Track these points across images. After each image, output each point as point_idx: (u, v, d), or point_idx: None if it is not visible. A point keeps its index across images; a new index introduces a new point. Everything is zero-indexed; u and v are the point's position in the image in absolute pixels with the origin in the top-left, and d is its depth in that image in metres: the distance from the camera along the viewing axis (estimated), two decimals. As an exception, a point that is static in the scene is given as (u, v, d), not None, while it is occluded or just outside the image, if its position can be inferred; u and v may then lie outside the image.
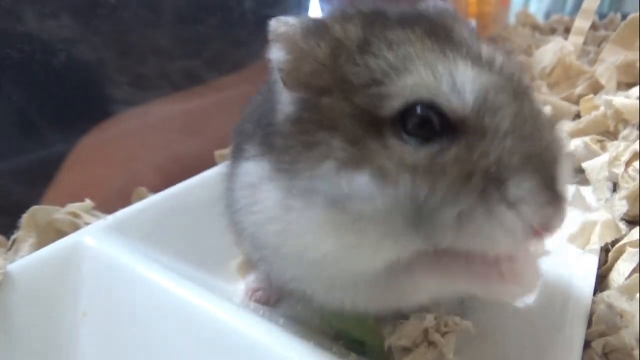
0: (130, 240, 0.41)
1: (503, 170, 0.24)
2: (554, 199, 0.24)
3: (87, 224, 0.43)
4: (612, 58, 0.61)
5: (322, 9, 1.24)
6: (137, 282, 0.37)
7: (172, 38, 0.91)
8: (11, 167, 0.63)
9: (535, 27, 1.18)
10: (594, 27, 0.99)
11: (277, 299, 0.45)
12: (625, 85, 0.60)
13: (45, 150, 0.69)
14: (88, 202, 0.47)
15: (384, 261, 0.29)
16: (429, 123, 0.25)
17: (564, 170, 0.26)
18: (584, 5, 0.67)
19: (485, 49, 0.28)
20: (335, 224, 0.27)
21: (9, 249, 0.43)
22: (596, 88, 0.61)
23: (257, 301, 0.44)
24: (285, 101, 0.30)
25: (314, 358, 0.30)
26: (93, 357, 0.36)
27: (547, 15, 1.59)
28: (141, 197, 0.53)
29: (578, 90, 0.62)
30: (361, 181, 0.26)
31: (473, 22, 1.43)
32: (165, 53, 0.90)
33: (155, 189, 0.52)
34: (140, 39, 0.85)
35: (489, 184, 0.24)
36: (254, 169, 0.32)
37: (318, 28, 0.28)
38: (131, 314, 0.36)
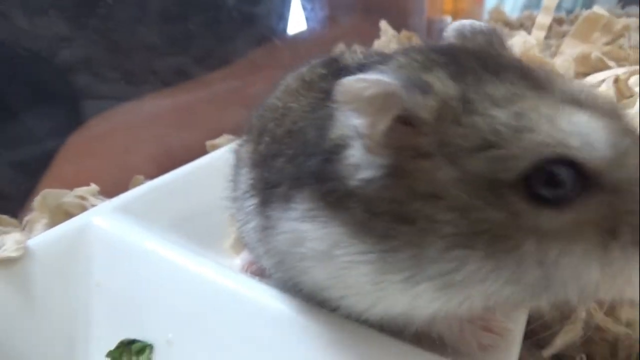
0: (133, 219, 0.45)
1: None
2: None
3: (93, 205, 0.47)
4: (570, 51, 0.67)
5: (304, 8, 1.27)
6: (142, 255, 0.40)
7: (160, 36, 0.94)
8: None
9: (506, 24, 1.24)
10: (560, 22, 1.06)
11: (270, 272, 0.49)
12: (582, 75, 0.66)
13: (39, 144, 0.72)
14: (94, 187, 0.50)
15: None
16: (564, 182, 0.23)
17: None
18: (545, 2, 0.73)
19: (575, 87, 0.26)
20: (441, 303, 0.26)
21: (23, 229, 0.46)
22: (557, 78, 0.67)
23: (253, 273, 0.48)
24: (364, 164, 0.26)
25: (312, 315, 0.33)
26: (106, 321, 0.39)
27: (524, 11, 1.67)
28: (139, 184, 0.56)
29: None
30: (476, 263, 0.24)
31: (449, 19, 1.49)
32: (156, 50, 0.93)
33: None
34: (132, 37, 0.88)
35: (629, 236, 0.23)
36: (320, 233, 0.27)
37: (421, 85, 0.24)
38: (138, 283, 0.40)
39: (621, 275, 0.23)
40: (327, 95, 0.29)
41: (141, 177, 0.61)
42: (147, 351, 0.37)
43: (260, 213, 0.34)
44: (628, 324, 0.34)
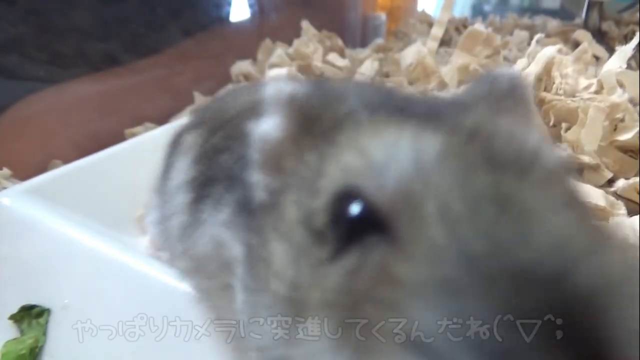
0: (41, 200, 0.50)
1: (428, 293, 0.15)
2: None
3: (4, 188, 0.52)
4: (456, 61, 0.77)
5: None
6: (44, 232, 0.45)
7: (93, 19, 0.96)
8: None
9: (431, 25, 1.34)
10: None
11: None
12: (464, 83, 0.76)
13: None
14: (6, 170, 0.55)
15: None
16: (350, 219, 0.18)
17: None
18: (439, 17, 0.82)
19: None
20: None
21: None
22: (444, 85, 0.77)
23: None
24: (258, 184, 0.25)
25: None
26: (11, 289, 0.45)
27: (474, 9, 1.80)
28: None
29: (430, 86, 0.77)
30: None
31: (382, 16, 1.58)
32: (87, 34, 0.95)
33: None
34: (62, 18, 0.90)
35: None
36: (227, 233, 0.27)
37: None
38: (39, 256, 0.46)
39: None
40: None
41: (59, 161, 0.65)
42: (45, 314, 0.43)
43: (191, 210, 0.32)
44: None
